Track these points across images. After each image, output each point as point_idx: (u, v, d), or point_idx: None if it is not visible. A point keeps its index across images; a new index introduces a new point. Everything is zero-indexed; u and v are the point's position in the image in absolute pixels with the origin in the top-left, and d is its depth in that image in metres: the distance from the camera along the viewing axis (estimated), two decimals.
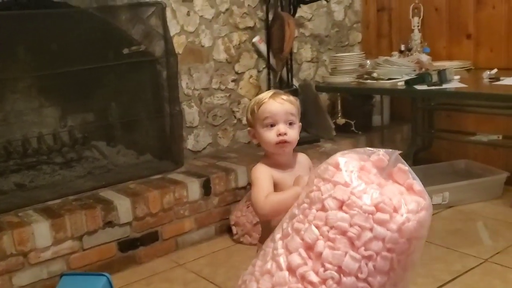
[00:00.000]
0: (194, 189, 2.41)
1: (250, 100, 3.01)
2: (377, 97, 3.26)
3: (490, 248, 2.16)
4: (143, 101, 2.72)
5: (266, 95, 1.40)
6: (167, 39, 2.54)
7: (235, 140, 3.06)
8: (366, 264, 1.07)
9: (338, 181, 1.12)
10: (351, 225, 1.08)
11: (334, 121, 3.15)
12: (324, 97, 3.44)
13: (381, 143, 3.15)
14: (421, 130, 3.22)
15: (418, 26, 3.16)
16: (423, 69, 2.74)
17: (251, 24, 3.02)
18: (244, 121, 3.08)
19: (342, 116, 3.18)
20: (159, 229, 2.33)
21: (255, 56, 3.07)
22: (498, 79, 2.49)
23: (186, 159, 2.74)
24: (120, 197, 2.25)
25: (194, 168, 2.63)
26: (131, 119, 2.77)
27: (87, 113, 2.84)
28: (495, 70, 2.62)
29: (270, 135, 1.36)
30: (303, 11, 3.27)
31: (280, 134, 1.35)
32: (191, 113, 2.84)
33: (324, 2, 3.24)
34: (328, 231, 1.09)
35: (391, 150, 1.16)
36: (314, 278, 1.09)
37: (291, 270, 1.12)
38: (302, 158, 1.48)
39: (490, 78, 2.53)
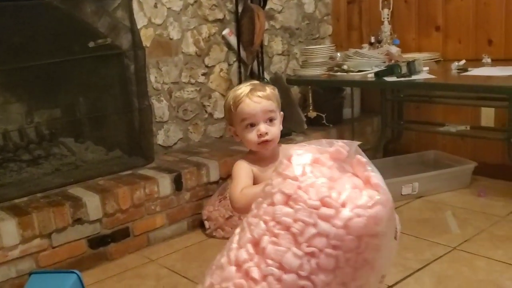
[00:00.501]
0: (165, 184, 2.38)
1: (222, 94, 3.03)
2: (347, 90, 3.28)
3: (458, 236, 2.20)
4: (111, 96, 2.67)
5: (242, 91, 1.35)
6: (134, 32, 2.50)
7: (206, 135, 3.04)
8: (309, 261, 1.03)
9: (288, 174, 1.09)
10: (295, 221, 1.04)
11: (305, 114, 3.16)
12: (295, 90, 3.45)
13: (352, 135, 3.18)
14: (390, 121, 3.25)
15: (388, 18, 3.18)
16: (393, 61, 2.77)
17: (220, 16, 3.00)
18: (216, 116, 3.06)
19: (313, 109, 3.18)
20: (130, 225, 2.30)
21: (225, 49, 3.05)
22: (466, 70, 2.53)
23: (157, 154, 2.71)
24: (89, 193, 2.21)
25: (165, 163, 2.60)
26: (99, 115, 2.72)
27: (54, 109, 2.78)
28: (463, 61, 2.66)
29: (251, 136, 1.34)
30: (273, 3, 3.26)
31: (261, 135, 1.33)
32: (160, 108, 2.80)
33: None
34: (274, 226, 1.06)
35: (350, 141, 1.13)
36: (256, 274, 1.06)
37: (238, 265, 1.10)
38: (286, 149, 1.45)
39: (458, 69, 2.57)
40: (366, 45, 3.18)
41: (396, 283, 1.86)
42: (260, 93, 1.34)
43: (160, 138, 2.82)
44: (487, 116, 2.88)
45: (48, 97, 2.70)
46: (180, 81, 2.87)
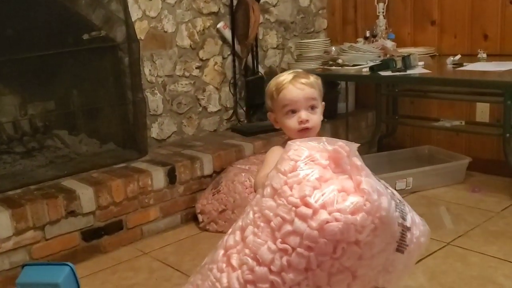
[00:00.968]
0: (158, 177, 2.37)
1: (216, 88, 3.02)
2: (342, 84, 3.27)
3: (452, 232, 2.21)
4: (105, 89, 2.65)
5: (285, 78, 1.34)
6: (129, 25, 2.48)
7: (200, 128, 3.03)
8: (281, 258, 1.03)
9: (280, 168, 1.09)
10: (275, 215, 1.05)
11: None
12: None
13: (346, 130, 3.17)
14: (385, 116, 3.25)
15: (383, 13, 3.18)
16: (388, 56, 2.76)
17: (215, 9, 2.98)
18: (210, 109, 3.05)
19: None
20: (124, 218, 2.29)
21: (220, 42, 3.04)
22: (461, 65, 2.53)
23: (151, 147, 2.70)
24: (83, 186, 2.20)
25: (159, 156, 2.60)
26: (93, 107, 2.71)
27: (48, 101, 2.76)
28: (458, 56, 2.66)
29: (292, 123, 1.33)
30: None
31: (302, 122, 1.31)
32: (154, 101, 2.79)
33: None
34: (258, 218, 1.08)
35: (349, 142, 1.10)
36: (235, 261, 1.09)
37: (226, 249, 1.14)
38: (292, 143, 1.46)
39: (453, 64, 2.57)
40: (361, 39, 3.17)
41: None
42: (303, 80, 1.34)
43: (154, 131, 2.81)
44: (482, 111, 2.88)
45: (42, 89, 2.69)
46: (174, 74, 2.86)
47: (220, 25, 3.00)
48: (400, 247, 1.11)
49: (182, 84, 2.90)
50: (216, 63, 3.04)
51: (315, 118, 1.34)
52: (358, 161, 1.08)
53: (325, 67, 2.87)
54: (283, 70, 3.25)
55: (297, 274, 1.02)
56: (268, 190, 1.09)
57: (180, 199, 2.48)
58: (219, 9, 3.00)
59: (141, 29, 2.67)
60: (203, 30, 2.95)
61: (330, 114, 3.22)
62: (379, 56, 2.77)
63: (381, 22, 3.16)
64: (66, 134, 2.75)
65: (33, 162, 2.47)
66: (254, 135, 2.90)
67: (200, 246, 2.27)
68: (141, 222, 2.35)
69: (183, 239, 2.36)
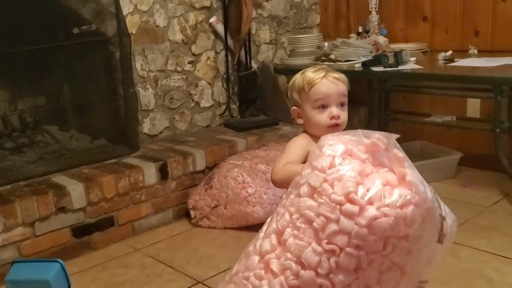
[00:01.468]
0: (150, 173, 2.36)
1: (209, 83, 3.01)
2: None
3: None
4: (96, 83, 2.63)
5: (317, 74, 1.31)
6: (120, 19, 2.46)
7: (193, 124, 3.01)
8: (328, 259, 0.97)
9: (316, 165, 1.02)
10: (317, 215, 0.99)
11: None
12: (283, 79, 3.43)
13: None
14: (377, 112, 3.25)
15: (375, 8, 3.18)
16: (380, 51, 2.76)
17: (207, 3, 2.96)
18: (202, 104, 3.04)
19: None
20: (115, 214, 2.28)
21: (212, 37, 3.02)
22: (452, 61, 2.54)
23: (142, 143, 2.68)
24: (73, 182, 2.19)
25: (151, 152, 2.58)
26: (84, 102, 2.69)
27: (38, 96, 2.73)
28: (450, 52, 2.66)
29: (322, 118, 1.30)
30: None
31: (333, 117, 1.29)
32: (146, 96, 2.77)
33: None
34: (297, 219, 1.02)
35: (388, 133, 1.05)
36: (275, 266, 1.03)
37: (261, 255, 1.07)
38: (324, 138, 1.42)
39: (445, 60, 2.58)
40: (353, 35, 3.17)
41: None
42: (336, 75, 1.32)
43: (146, 126, 2.80)
44: (473, 107, 2.89)
45: (32, 84, 2.66)
46: (167, 69, 2.84)
47: (212, 19, 2.98)
48: (440, 237, 1.07)
49: (174, 79, 2.88)
50: (208, 58, 3.02)
51: (344, 115, 1.32)
52: (399, 152, 1.02)
53: (318, 62, 2.87)
54: (276, 66, 3.27)
55: (347, 275, 0.97)
56: (305, 189, 1.02)
57: (172, 195, 2.46)
58: (212, 3, 2.98)
59: (132, 23, 2.65)
60: (195, 24, 2.93)
61: None
62: (372, 52, 2.77)
63: (374, 17, 3.15)
64: (57, 130, 2.72)
65: (22, 158, 2.45)
66: (247, 131, 2.90)
67: (192, 242, 2.26)
68: (132, 218, 2.34)
69: (175, 235, 2.35)
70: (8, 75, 2.58)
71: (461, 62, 2.49)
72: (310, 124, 1.33)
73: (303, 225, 1.00)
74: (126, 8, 2.59)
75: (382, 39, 2.88)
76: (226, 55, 3.06)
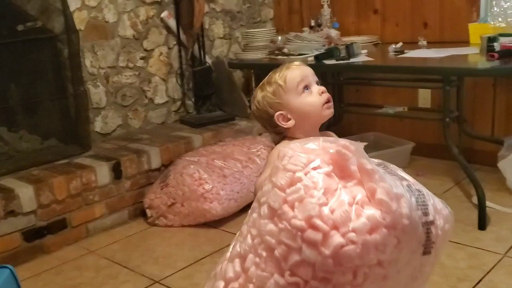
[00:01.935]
0: (103, 173, 2.31)
1: (163, 79, 2.96)
2: None
3: None
4: (45, 82, 2.55)
5: (282, 69, 1.23)
6: (67, 15, 2.39)
7: (147, 121, 2.96)
8: None
9: (275, 182, 0.90)
10: (278, 243, 0.88)
11: (249, 98, 3.14)
12: (238, 74, 3.42)
13: None
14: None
15: (327, 2, 3.19)
16: (332, 44, 2.78)
17: None
18: (156, 101, 2.99)
19: None
20: (67, 216, 2.22)
21: (165, 32, 2.97)
22: (402, 52, 2.58)
23: (95, 142, 2.62)
24: (22, 184, 2.12)
25: (103, 151, 2.52)
26: (33, 102, 2.59)
27: None
28: (400, 44, 2.71)
29: (313, 98, 1.21)
30: None
31: (323, 92, 1.21)
32: (97, 93, 2.71)
33: None
34: (258, 245, 0.91)
35: (354, 141, 0.94)
36: None
37: (226, 281, 0.98)
38: (282, 147, 1.33)
39: (395, 52, 2.62)
40: (306, 29, 3.18)
41: None
42: (296, 63, 1.26)
43: (98, 125, 2.73)
44: (424, 97, 2.95)
45: None
46: (118, 66, 2.78)
47: (164, 14, 2.94)
48: (427, 248, 0.96)
49: (126, 76, 2.82)
50: (161, 53, 2.98)
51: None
52: (367, 163, 0.89)
53: (272, 56, 2.87)
54: (231, 60, 3.25)
55: None
56: (265, 209, 0.91)
57: (127, 194, 2.42)
58: None
59: (80, 20, 2.57)
60: (146, 19, 2.88)
61: None
62: (324, 45, 2.78)
63: (326, 11, 3.17)
64: (5, 131, 2.62)
65: None
66: (204, 127, 2.88)
67: (148, 242, 2.23)
68: (86, 219, 2.29)
69: (131, 235, 2.31)
70: None
71: (411, 54, 2.53)
72: (304, 113, 1.21)
73: (264, 253, 0.90)
74: (73, 4, 2.52)
75: (334, 33, 2.90)
76: (179, 51, 3.02)
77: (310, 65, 2.66)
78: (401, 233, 0.87)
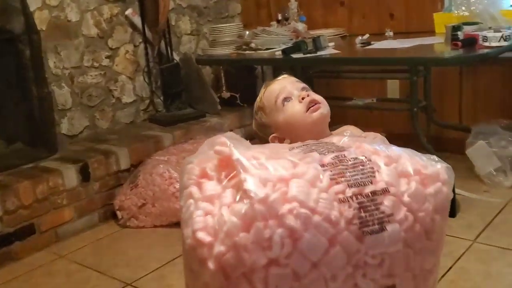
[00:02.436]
0: (70, 176, 2.26)
1: (129, 77, 2.91)
2: (259, 68, 3.26)
3: None
4: (6, 84, 2.47)
5: (262, 88, 1.18)
6: (27, 15, 2.32)
7: (115, 121, 2.91)
8: None
9: (180, 202, 0.87)
10: (189, 268, 0.85)
11: (219, 95, 3.12)
12: (207, 70, 3.38)
13: None
14: None
15: None
16: (300, 38, 2.77)
17: None
18: (124, 100, 2.94)
19: (226, 90, 3.15)
20: (35, 221, 2.17)
21: (130, 30, 2.92)
22: (369, 44, 2.59)
23: (62, 144, 2.56)
24: None
25: (70, 153, 2.47)
26: None
27: None
28: (366, 36, 2.72)
29: (295, 107, 1.11)
30: None
31: (303, 97, 1.11)
32: (62, 95, 2.64)
33: None
34: (184, 266, 0.89)
35: (228, 133, 0.90)
36: None
37: None
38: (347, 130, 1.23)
39: (362, 43, 2.62)
40: (274, 23, 3.17)
41: None
42: (278, 78, 1.19)
43: (64, 127, 2.67)
44: (392, 88, 2.98)
45: None
46: (82, 65, 2.72)
47: (128, 12, 2.88)
48: (370, 224, 0.78)
49: (91, 76, 2.76)
50: (127, 51, 2.93)
51: (315, 95, 1.14)
52: (236, 154, 0.80)
53: (239, 51, 2.84)
54: (199, 56, 3.21)
55: None
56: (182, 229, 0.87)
57: (96, 197, 2.37)
58: None
59: (41, 19, 2.51)
60: (110, 17, 2.82)
61: (249, 99, 3.20)
62: (291, 39, 2.78)
63: (293, 5, 3.16)
64: None
65: None
66: (174, 125, 2.84)
67: (120, 244, 2.19)
68: (55, 224, 2.24)
69: (101, 238, 2.27)
70: None
71: (377, 45, 2.54)
72: (293, 126, 1.12)
73: (190, 275, 0.85)
74: (33, 4, 2.45)
75: (301, 26, 2.89)
76: (146, 48, 2.97)
77: (278, 60, 2.68)
78: (291, 220, 0.73)
